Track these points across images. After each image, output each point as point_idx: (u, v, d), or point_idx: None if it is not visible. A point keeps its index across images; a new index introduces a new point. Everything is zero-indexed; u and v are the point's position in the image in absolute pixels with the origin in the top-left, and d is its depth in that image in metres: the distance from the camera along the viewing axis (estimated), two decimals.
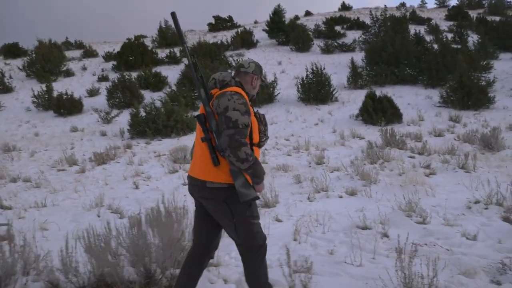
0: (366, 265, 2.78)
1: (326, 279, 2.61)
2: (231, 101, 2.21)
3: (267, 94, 16.86)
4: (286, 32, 26.31)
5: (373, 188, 5.56)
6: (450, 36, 25.25)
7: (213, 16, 33.97)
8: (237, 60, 22.57)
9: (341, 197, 5.19)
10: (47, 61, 22.09)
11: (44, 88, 17.83)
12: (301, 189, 5.81)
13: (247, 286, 2.44)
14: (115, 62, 23.14)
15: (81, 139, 13.74)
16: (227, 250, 3.23)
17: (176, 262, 2.65)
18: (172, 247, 2.67)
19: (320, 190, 5.56)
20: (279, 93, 17.68)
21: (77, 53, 27.92)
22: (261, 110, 16.33)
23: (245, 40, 26.49)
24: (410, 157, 8.36)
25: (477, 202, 4.29)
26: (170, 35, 28.64)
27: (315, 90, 16.50)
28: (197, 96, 17.69)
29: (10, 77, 22.65)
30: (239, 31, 28.21)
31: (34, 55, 22.80)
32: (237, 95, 2.26)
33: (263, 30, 28.71)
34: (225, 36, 30.02)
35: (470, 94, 14.32)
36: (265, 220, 4.20)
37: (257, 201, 2.44)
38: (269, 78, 17.41)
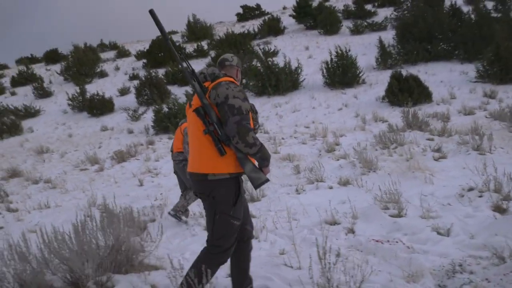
0: (306, 267, 2.59)
1: (254, 284, 2.47)
2: (230, 90, 2.23)
3: (291, 82, 16.53)
4: (313, 15, 25.58)
5: (371, 176, 5.27)
6: (491, 4, 23.40)
7: (241, 6, 33.74)
8: (263, 48, 22.32)
9: (331, 188, 4.94)
10: (82, 64, 23.03)
11: (78, 91, 18.59)
12: (297, 180, 5.61)
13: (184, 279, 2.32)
14: (145, 61, 23.69)
15: (110, 138, 14.23)
16: (182, 251, 3.17)
17: (112, 266, 2.62)
18: (106, 252, 2.64)
19: (315, 181, 5.34)
20: (304, 79, 17.28)
21: (111, 54, 28.88)
22: (285, 98, 16.10)
23: (272, 27, 26.10)
24: (429, 139, 7.86)
25: (471, 189, 3.91)
26: (199, 28, 28.81)
27: (340, 74, 15.93)
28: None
29: (50, 82, 23.90)
30: (267, 18, 27.83)
31: (71, 60, 23.86)
32: (233, 84, 2.30)
33: (289, 15, 28.11)
34: (254, 25, 29.72)
35: (508, 67, 13.20)
36: None
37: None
38: (294, 64, 16.99)
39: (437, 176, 4.96)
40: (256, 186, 2.28)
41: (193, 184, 2.44)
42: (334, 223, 3.57)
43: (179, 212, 4.44)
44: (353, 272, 2.08)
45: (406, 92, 12.67)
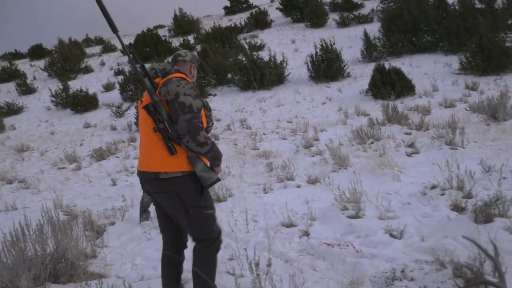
0: (249, 276, 2.52)
1: None
2: (180, 87, 2.17)
3: (276, 76, 16.42)
4: (300, 8, 25.41)
5: (341, 174, 5.21)
6: None
7: None
8: (249, 42, 22.14)
9: (299, 186, 4.88)
10: (66, 60, 22.69)
11: (61, 87, 18.32)
12: (267, 179, 5.54)
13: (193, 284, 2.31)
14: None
15: (92, 135, 14.05)
16: (135, 256, 3.08)
17: (50, 276, 2.53)
18: (44, 261, 2.55)
19: (285, 179, 5.27)
20: (289, 73, 17.18)
21: (97, 48, 28.48)
22: (270, 92, 16.00)
23: (259, 20, 25.90)
24: (406, 133, 7.83)
25: (433, 187, 3.86)
26: (185, 22, 28.51)
27: (325, 67, 15.85)
28: (205, 84, 17.58)
29: (34, 78, 23.53)
30: (254, 12, 27.60)
31: (55, 55, 23.50)
32: (184, 81, 2.24)
33: (277, 8, 27.90)
34: (241, 18, 29.45)
35: (490, 58, 13.20)
36: None
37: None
38: (279, 58, 16.87)
39: (406, 172, 4.92)
40: (207, 186, 2.23)
41: (145, 182, 2.37)
42: (290, 225, 3.50)
43: (142, 210, 4.32)
44: (280, 284, 2.00)
45: (389, 85, 12.64)
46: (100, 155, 10.20)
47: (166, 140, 2.18)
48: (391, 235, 2.99)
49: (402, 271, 2.40)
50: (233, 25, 26.32)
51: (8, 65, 24.03)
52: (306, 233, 3.28)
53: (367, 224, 3.23)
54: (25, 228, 2.73)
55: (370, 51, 17.63)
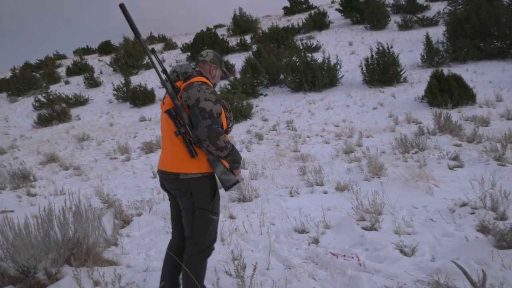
0: (245, 277, 2.52)
1: None
2: (201, 92, 2.23)
3: (328, 78, 16.16)
4: (360, 9, 24.76)
5: (372, 183, 5.04)
6: None
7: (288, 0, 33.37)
8: (305, 43, 21.99)
9: (326, 192, 4.79)
10: (129, 56, 23.99)
11: (123, 81, 19.41)
12: (297, 182, 5.50)
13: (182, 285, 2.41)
14: (189, 53, 24.23)
15: (146, 128, 14.75)
16: (150, 248, 3.21)
17: (64, 259, 2.73)
18: (62, 245, 2.75)
19: (314, 184, 5.20)
20: (342, 76, 16.83)
21: (159, 46, 29.81)
22: (321, 95, 15.79)
23: (317, 22, 25.59)
24: (456, 145, 7.38)
25: (464, 204, 3.61)
26: (244, 22, 28.93)
27: (380, 72, 15.33)
28: (257, 83, 17.73)
29: (101, 73, 25.16)
30: (312, 13, 27.34)
31: (120, 51, 24.97)
32: (205, 85, 2.28)
33: (336, 9, 27.39)
34: (300, 19, 29.33)
35: None
36: (222, 216, 4.09)
37: (234, 194, 2.54)
38: (333, 61, 16.59)
39: (443, 186, 4.65)
40: (227, 188, 2.30)
41: (164, 181, 2.46)
42: (302, 231, 3.46)
43: None
44: None
45: (446, 93, 11.94)
46: (149, 148, 10.70)
47: (187, 143, 2.26)
48: (401, 252, 2.86)
49: None
50: (290, 26, 26.27)
51: (79, 59, 25.91)
52: (316, 241, 3.23)
53: (379, 238, 3.11)
54: (50, 213, 2.95)
55: (431, 55, 16.75)
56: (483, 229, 3.10)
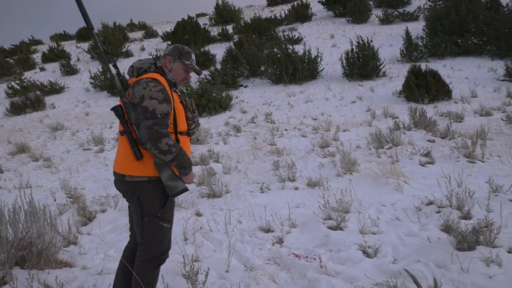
0: (200, 281, 2.43)
1: None
2: (147, 89, 2.06)
3: (308, 71, 16.12)
4: (343, 2, 24.74)
5: (344, 179, 5.02)
6: None
7: None
8: (287, 35, 21.86)
9: (296, 189, 4.74)
10: (108, 44, 23.38)
11: (100, 70, 18.94)
12: (271, 178, 5.44)
13: None
14: (170, 42, 23.79)
15: None
16: (110, 247, 3.10)
17: (14, 262, 2.60)
18: (12, 246, 2.61)
19: (286, 180, 5.15)
20: (323, 68, 16.81)
21: (139, 34, 29.19)
22: (301, 87, 15.74)
23: (300, 13, 25.48)
24: (429, 141, 7.46)
25: (430, 203, 3.62)
26: (227, 12, 28.58)
27: (360, 65, 15.37)
28: (238, 74, 17.57)
29: (78, 60, 24.51)
30: (295, 4, 27.18)
31: (100, 38, 24.34)
32: (154, 82, 2.09)
33: (319, 1, 27.30)
34: (283, 10, 29.17)
35: None
36: (188, 212, 3.99)
37: (188, 192, 2.40)
38: (314, 53, 16.54)
39: (412, 183, 4.67)
40: (172, 196, 2.13)
41: (115, 182, 2.33)
42: (268, 230, 3.41)
43: None
44: None
45: (423, 88, 12.06)
46: None
47: (132, 144, 2.12)
48: (364, 253, 2.83)
49: None
50: (273, 17, 26.08)
51: (56, 45, 25.15)
52: (281, 241, 3.17)
53: (343, 238, 3.07)
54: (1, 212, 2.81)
55: (410, 50, 16.89)
56: (447, 228, 3.10)
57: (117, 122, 14.08)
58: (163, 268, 2.51)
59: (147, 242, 2.20)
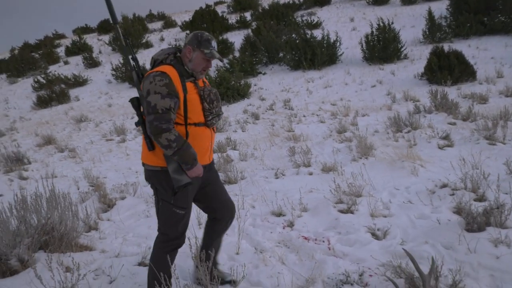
0: (220, 261, 2.52)
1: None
2: (152, 84, 2.09)
3: (327, 56, 15.92)
4: None
5: (358, 163, 5.01)
6: None
7: None
8: (305, 20, 21.57)
9: (311, 174, 4.76)
10: (128, 35, 23.70)
11: (121, 61, 19.26)
12: (285, 164, 5.48)
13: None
14: (188, 31, 23.90)
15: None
16: (128, 232, 3.23)
17: (38, 245, 2.76)
18: (35, 231, 2.77)
19: (301, 165, 5.18)
20: (342, 53, 16.57)
21: (158, 24, 29.42)
22: (320, 73, 15.58)
23: None
24: (450, 123, 7.29)
25: (444, 186, 3.58)
26: None
27: (381, 48, 15.06)
28: (256, 62, 17.53)
29: (100, 52, 24.97)
30: None
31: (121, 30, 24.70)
32: (161, 76, 2.11)
33: None
34: None
35: None
36: None
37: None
38: (333, 38, 16.31)
39: (429, 167, 4.61)
40: (177, 188, 2.19)
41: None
42: (279, 214, 3.46)
43: None
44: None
45: (446, 70, 11.74)
46: None
47: (145, 135, 2.20)
48: (373, 235, 2.85)
49: (361, 275, 2.29)
50: (291, 2, 25.74)
51: (78, 39, 25.68)
52: (291, 224, 3.23)
53: (353, 221, 3.10)
54: (24, 200, 2.96)
55: (433, 31, 16.40)
56: (459, 211, 3.07)
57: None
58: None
59: (162, 225, 2.32)
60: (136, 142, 9.56)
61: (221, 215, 2.48)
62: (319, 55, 15.70)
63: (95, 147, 9.42)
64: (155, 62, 2.32)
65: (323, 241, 2.83)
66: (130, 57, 2.36)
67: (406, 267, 2.15)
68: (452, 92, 10.42)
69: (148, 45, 24.13)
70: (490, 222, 2.61)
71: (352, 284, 2.19)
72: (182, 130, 2.20)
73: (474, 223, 2.59)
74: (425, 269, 2.15)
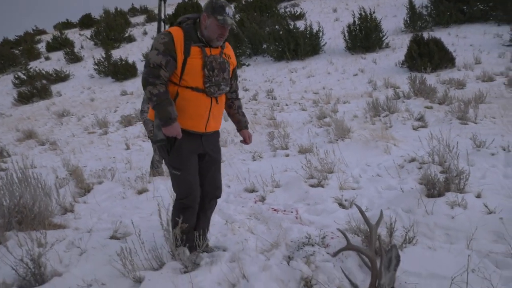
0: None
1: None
2: (155, 40, 2.21)
3: (310, 46, 16.00)
4: None
5: (334, 145, 5.10)
6: None
7: None
8: (289, 11, 21.60)
9: (287, 155, 4.85)
10: (111, 29, 23.45)
11: (104, 55, 19.06)
12: (265, 147, 5.55)
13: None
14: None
15: (127, 102, 14.60)
16: (103, 212, 3.27)
17: (9, 225, 2.78)
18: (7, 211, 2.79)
19: (279, 148, 5.26)
20: (325, 43, 16.66)
21: (141, 18, 29.12)
22: (303, 63, 15.65)
23: None
24: (427, 107, 7.44)
25: (412, 160, 3.69)
26: None
27: (363, 38, 15.20)
28: (240, 53, 17.53)
29: (82, 47, 24.64)
30: None
31: (102, 25, 24.39)
32: (164, 34, 2.21)
33: None
34: None
35: None
36: None
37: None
38: (315, 28, 16.38)
39: (402, 146, 4.73)
40: (153, 142, 2.33)
41: None
42: (252, 191, 3.54)
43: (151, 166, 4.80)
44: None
45: (426, 57, 11.92)
46: (128, 121, 10.64)
47: None
48: (340, 205, 2.95)
49: (323, 238, 2.38)
50: None
51: (59, 34, 25.30)
52: (263, 199, 3.31)
53: (322, 193, 3.19)
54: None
55: (414, 20, 16.60)
56: (424, 181, 3.18)
57: (121, 105, 14.31)
58: (147, 225, 2.67)
59: (172, 185, 2.44)
60: (118, 134, 9.53)
61: (205, 191, 2.48)
62: (302, 45, 15.77)
63: (77, 140, 9.36)
64: (177, 24, 2.35)
65: (292, 212, 2.91)
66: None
67: (363, 227, 2.24)
68: (431, 79, 10.61)
69: (131, 39, 23.91)
70: (450, 188, 2.72)
71: (313, 245, 2.27)
72: (174, 89, 2.25)
73: (435, 190, 2.69)
74: (384, 232, 2.25)
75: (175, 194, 2.40)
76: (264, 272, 2.02)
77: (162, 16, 2.78)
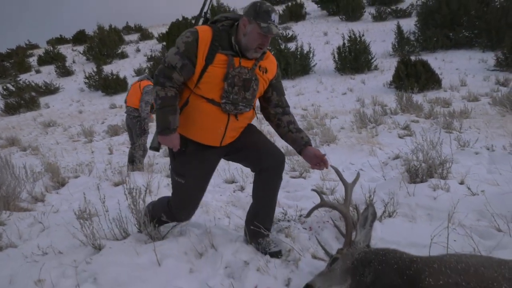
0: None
1: None
2: (180, 36, 1.98)
3: (300, 66, 16.20)
4: (337, 1, 24.90)
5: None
6: None
7: None
8: (281, 33, 21.96)
9: None
10: (104, 45, 23.54)
11: (95, 70, 19.05)
12: None
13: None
14: (165, 43, 23.93)
15: (115, 115, 14.48)
16: (74, 201, 3.12)
17: None
18: None
19: None
20: (315, 64, 16.89)
21: (135, 36, 29.36)
22: (293, 82, 15.79)
23: (294, 12, 25.66)
24: (413, 121, 7.47)
25: (396, 157, 3.64)
26: (221, 12, 28.69)
27: (352, 59, 15.45)
28: None
29: (74, 62, 24.63)
30: (290, 4, 27.37)
31: (96, 40, 24.50)
32: (190, 32, 1.95)
33: (313, 1, 27.49)
34: (278, 10, 29.23)
35: None
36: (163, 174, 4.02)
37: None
38: (306, 49, 16.65)
39: (386, 150, 4.68)
40: (149, 148, 2.15)
41: None
42: (231, 182, 3.44)
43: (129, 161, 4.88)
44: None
45: (413, 78, 12.12)
46: (114, 131, 10.51)
47: None
48: (321, 192, 2.86)
49: (300, 216, 2.29)
50: None
51: (51, 49, 25.31)
52: (242, 188, 3.21)
53: (303, 183, 3.11)
54: None
55: (402, 44, 16.99)
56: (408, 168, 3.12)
57: (109, 118, 14.18)
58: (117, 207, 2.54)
59: (171, 192, 2.21)
60: (103, 142, 9.38)
61: (266, 163, 2.12)
62: (292, 65, 15.96)
63: (61, 147, 9.18)
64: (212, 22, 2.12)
65: None
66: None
67: (341, 200, 2.15)
68: (419, 98, 10.72)
69: (123, 56, 24.00)
70: (433, 176, 2.65)
71: (289, 221, 2.17)
72: (185, 94, 2.02)
73: (417, 177, 2.63)
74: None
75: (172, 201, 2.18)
76: (234, 243, 1.91)
77: (206, 9, 2.39)
